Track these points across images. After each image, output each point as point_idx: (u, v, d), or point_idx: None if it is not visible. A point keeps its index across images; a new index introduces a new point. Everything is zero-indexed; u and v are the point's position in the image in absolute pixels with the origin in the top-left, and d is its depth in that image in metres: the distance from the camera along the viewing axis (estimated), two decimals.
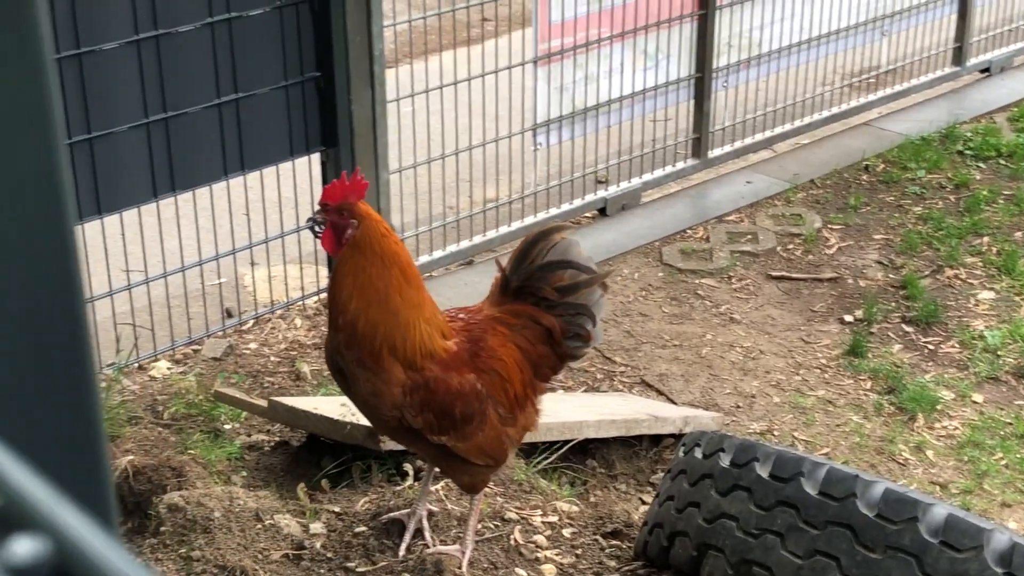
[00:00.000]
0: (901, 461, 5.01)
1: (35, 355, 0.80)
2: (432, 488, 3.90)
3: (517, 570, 3.74)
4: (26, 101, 0.78)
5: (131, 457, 4.10)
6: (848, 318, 5.91)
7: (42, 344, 0.79)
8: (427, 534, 3.69)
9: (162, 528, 3.74)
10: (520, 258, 3.48)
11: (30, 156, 0.78)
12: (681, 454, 3.87)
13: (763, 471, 3.50)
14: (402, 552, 3.64)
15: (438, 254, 6.04)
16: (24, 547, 0.58)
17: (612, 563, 3.91)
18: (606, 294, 3.57)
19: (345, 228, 3.32)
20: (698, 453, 3.74)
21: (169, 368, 5.12)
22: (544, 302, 3.49)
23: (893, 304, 6.02)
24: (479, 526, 3.87)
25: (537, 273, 3.47)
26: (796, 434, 5.10)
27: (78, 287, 0.79)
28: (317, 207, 3.41)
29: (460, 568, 3.60)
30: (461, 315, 3.53)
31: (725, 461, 3.61)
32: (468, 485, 3.60)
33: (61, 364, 0.79)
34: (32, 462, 0.62)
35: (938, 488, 4.85)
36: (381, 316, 3.27)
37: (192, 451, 4.30)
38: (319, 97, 5.26)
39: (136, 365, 5.10)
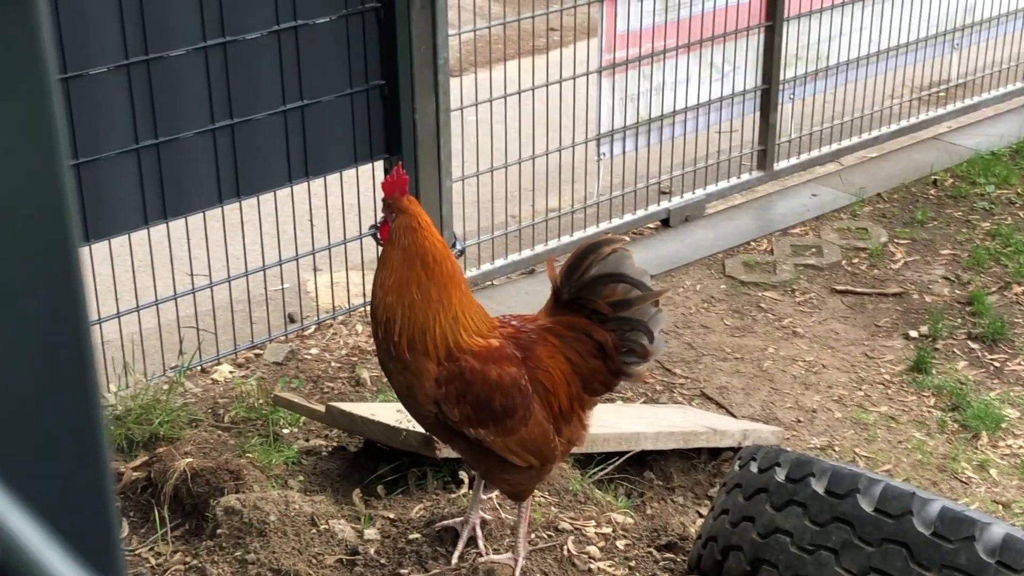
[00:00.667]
0: (964, 479, 4.94)
1: (40, 367, 0.81)
2: (485, 496, 3.90)
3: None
4: (29, 124, 0.79)
5: (190, 460, 4.14)
6: (913, 334, 5.84)
7: (47, 358, 0.81)
8: (480, 543, 3.70)
9: (219, 531, 3.78)
10: (570, 270, 3.42)
11: (34, 176, 0.79)
12: (736, 468, 3.84)
13: (819, 487, 3.47)
14: (455, 560, 3.65)
15: (500, 263, 6.05)
16: None
17: None
18: (661, 310, 3.46)
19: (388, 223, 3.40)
20: (753, 467, 3.71)
21: (231, 372, 5.17)
22: (597, 315, 3.43)
23: (959, 320, 5.95)
24: (531, 535, 3.87)
25: (588, 286, 3.40)
26: (857, 450, 5.05)
27: (83, 307, 0.80)
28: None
29: None
30: (513, 322, 3.52)
31: (780, 476, 3.58)
32: (510, 492, 3.58)
33: (66, 379, 0.81)
34: (32, 471, 0.63)
35: (1000, 507, 4.79)
36: (398, 308, 3.29)
37: (250, 454, 4.34)
38: (383, 105, 5.29)
39: (199, 368, 5.15)
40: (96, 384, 0.81)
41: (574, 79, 6.19)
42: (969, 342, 5.79)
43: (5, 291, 0.83)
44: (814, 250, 6.51)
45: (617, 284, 3.41)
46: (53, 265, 0.82)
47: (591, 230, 6.38)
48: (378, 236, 3.47)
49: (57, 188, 0.83)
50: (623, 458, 4.56)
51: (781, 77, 6.84)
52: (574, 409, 3.47)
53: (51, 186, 0.83)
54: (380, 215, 3.48)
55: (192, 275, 5.32)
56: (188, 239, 5.03)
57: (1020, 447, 5.14)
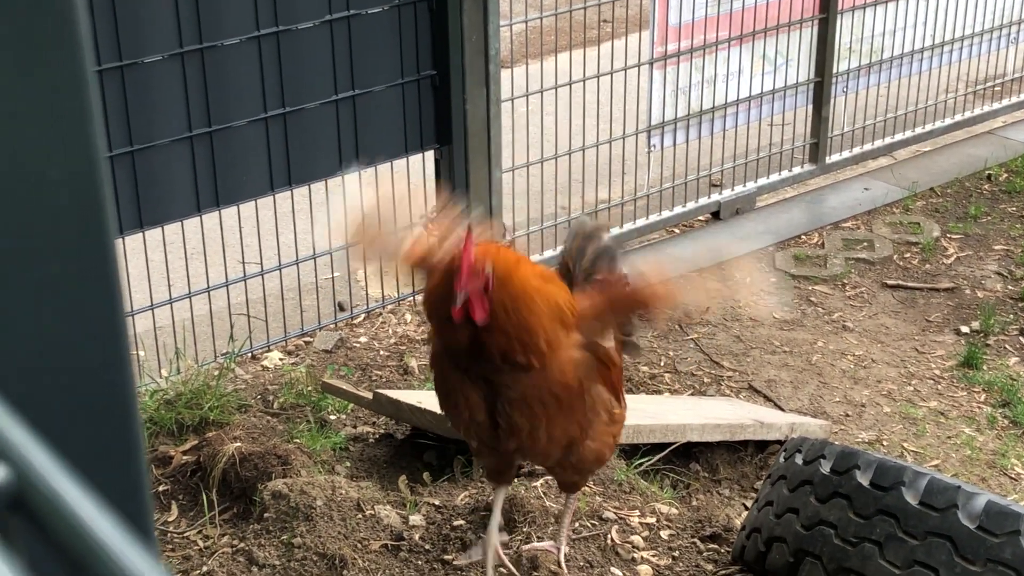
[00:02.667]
0: (1013, 476, 4.90)
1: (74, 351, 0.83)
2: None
3: (613, 569, 3.75)
4: (67, 115, 0.81)
5: (239, 444, 4.19)
6: (964, 329, 5.80)
7: (80, 339, 0.83)
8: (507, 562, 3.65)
9: (266, 514, 3.82)
10: (578, 255, 3.60)
11: (70, 165, 0.81)
12: (782, 460, 3.84)
13: (863, 479, 3.46)
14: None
15: (549, 253, 6.06)
16: None
17: (709, 567, 3.90)
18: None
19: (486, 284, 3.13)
20: (798, 459, 3.71)
21: (281, 359, 5.22)
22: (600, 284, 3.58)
23: (1011, 316, 5.90)
24: (575, 524, 3.88)
25: (592, 264, 3.60)
26: (905, 445, 5.02)
27: (117, 295, 0.83)
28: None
29: (558, 565, 3.61)
30: None
31: (825, 468, 3.57)
32: (579, 479, 3.53)
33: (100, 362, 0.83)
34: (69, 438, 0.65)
35: None
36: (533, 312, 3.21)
37: (298, 440, 4.38)
38: (434, 95, 5.31)
39: (249, 355, 5.20)
40: (128, 352, 0.84)
41: (625, 71, 6.18)
42: (1021, 338, 5.74)
43: (43, 280, 0.85)
44: (865, 244, 6.47)
45: (609, 255, 3.62)
46: (90, 254, 0.84)
47: (640, 222, 6.38)
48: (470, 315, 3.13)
49: (93, 178, 0.85)
50: (669, 449, 4.57)
51: (834, 70, 6.80)
52: (620, 380, 3.53)
53: (87, 176, 0.85)
54: (462, 295, 3.10)
55: (244, 263, 5.37)
56: (240, 227, 5.08)
57: None
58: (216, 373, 4.79)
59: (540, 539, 3.75)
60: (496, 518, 3.60)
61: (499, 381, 3.17)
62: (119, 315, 0.88)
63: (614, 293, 3.44)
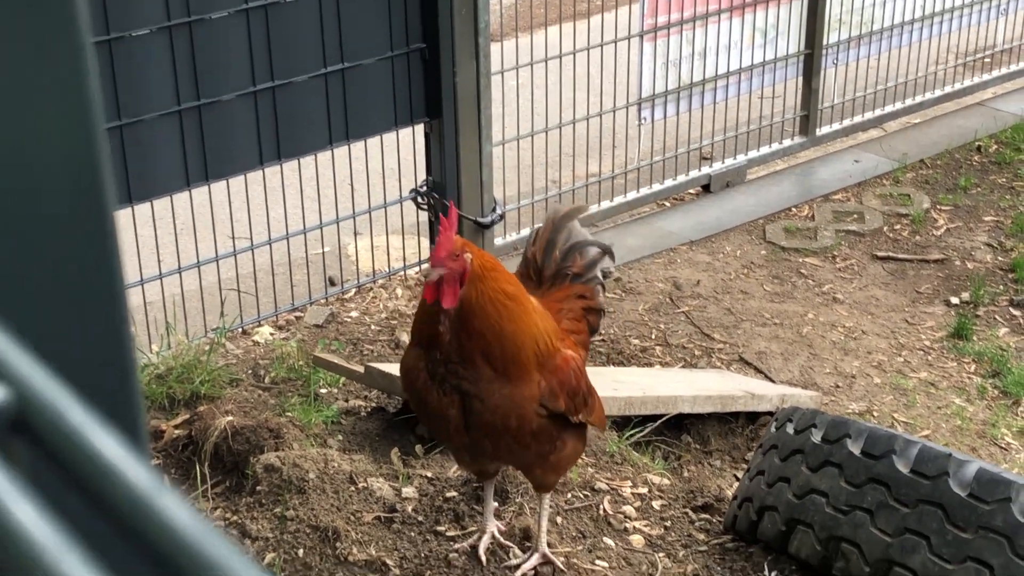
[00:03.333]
0: (1003, 445, 4.92)
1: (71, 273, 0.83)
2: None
3: (605, 539, 3.76)
4: (65, 82, 0.81)
5: (231, 418, 4.19)
6: (954, 300, 5.81)
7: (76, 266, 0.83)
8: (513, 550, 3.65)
9: (258, 487, 3.82)
10: (549, 247, 3.65)
11: (69, 137, 0.81)
12: (773, 429, 3.85)
13: (855, 448, 3.47)
14: (483, 558, 3.62)
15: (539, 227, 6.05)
16: None
17: (701, 536, 3.91)
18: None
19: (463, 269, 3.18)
20: (790, 428, 3.72)
21: (272, 334, 5.21)
22: (577, 277, 3.66)
23: (1001, 287, 5.91)
24: (567, 494, 3.89)
25: (565, 256, 3.66)
26: (896, 416, 5.03)
27: (118, 272, 0.82)
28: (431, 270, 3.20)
29: (549, 564, 3.59)
30: None
31: (817, 437, 3.59)
32: (553, 479, 3.53)
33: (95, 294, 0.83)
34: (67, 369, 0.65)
35: None
36: (518, 327, 3.24)
37: (290, 414, 4.38)
38: (424, 68, 5.30)
39: (240, 330, 5.20)
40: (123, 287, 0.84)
41: (616, 43, 6.17)
42: (1011, 309, 5.76)
43: (42, 254, 0.85)
44: (856, 216, 6.48)
45: (584, 248, 3.69)
46: (89, 227, 0.84)
47: (631, 195, 6.37)
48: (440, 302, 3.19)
49: (92, 149, 0.85)
50: (660, 421, 4.57)
51: (825, 42, 6.79)
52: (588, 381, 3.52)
53: (86, 147, 0.85)
54: (433, 275, 3.17)
55: (233, 238, 5.36)
56: (230, 201, 5.07)
57: None
58: (207, 348, 4.79)
59: (533, 510, 3.75)
60: (490, 507, 3.62)
61: (473, 392, 3.21)
62: (120, 290, 0.88)
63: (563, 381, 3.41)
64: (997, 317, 5.71)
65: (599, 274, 3.75)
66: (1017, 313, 5.73)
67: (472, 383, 3.21)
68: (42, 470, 0.61)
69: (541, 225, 3.78)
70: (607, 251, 3.79)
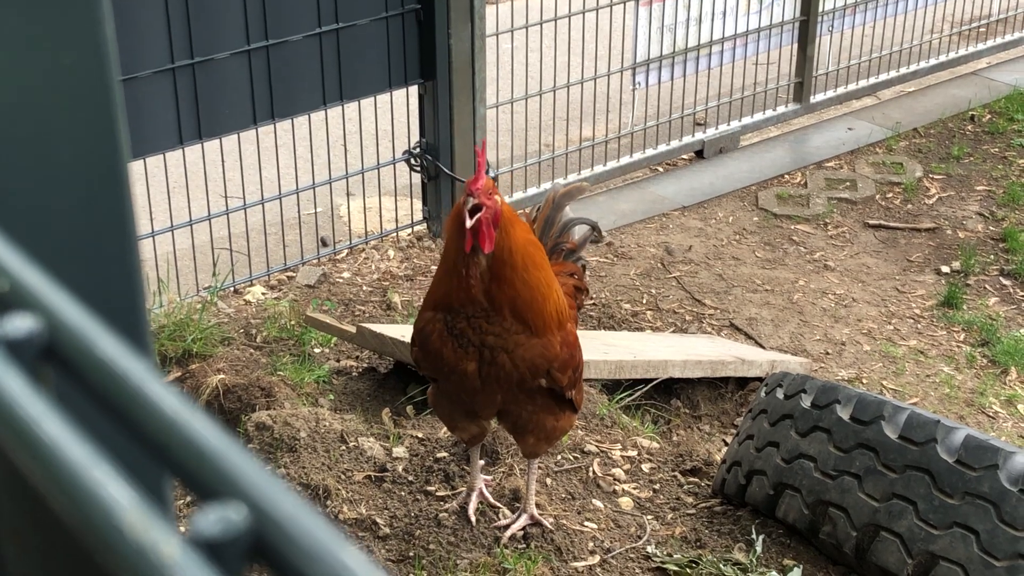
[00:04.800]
0: (991, 414, 4.95)
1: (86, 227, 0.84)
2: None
3: (594, 501, 3.78)
4: (81, 28, 0.81)
5: (222, 376, 4.20)
6: (945, 269, 5.83)
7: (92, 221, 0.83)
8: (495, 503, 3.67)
9: (250, 445, 3.83)
10: (547, 224, 3.70)
11: (85, 90, 0.82)
12: (763, 394, 3.87)
13: (844, 413, 3.49)
14: (473, 518, 3.63)
15: (532, 191, 6.06)
16: (19, 324, 0.61)
17: (689, 499, 3.93)
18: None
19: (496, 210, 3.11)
20: (779, 394, 3.73)
21: (264, 293, 5.22)
22: (570, 254, 3.72)
23: (992, 256, 5.93)
24: (558, 456, 3.91)
25: (562, 233, 3.73)
26: (885, 383, 5.06)
27: (132, 226, 0.83)
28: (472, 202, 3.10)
29: (537, 525, 3.60)
30: None
31: (806, 402, 3.60)
32: (544, 448, 3.54)
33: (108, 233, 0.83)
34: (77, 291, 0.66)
35: None
36: (543, 279, 3.24)
37: (282, 373, 4.39)
38: (419, 30, 5.28)
39: (232, 289, 5.20)
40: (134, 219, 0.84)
41: (611, 7, 6.15)
42: (1001, 278, 5.78)
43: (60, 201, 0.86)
44: (848, 184, 6.48)
45: (576, 225, 3.76)
46: (104, 178, 0.85)
47: (624, 160, 6.37)
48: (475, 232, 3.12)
49: (108, 93, 0.86)
50: (650, 385, 4.59)
51: (820, 9, 6.78)
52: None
53: (102, 99, 0.86)
54: (470, 203, 3.07)
55: (226, 197, 5.36)
56: (223, 160, 5.07)
57: None
58: (199, 306, 4.79)
59: (523, 471, 3.77)
60: (476, 465, 3.64)
61: (500, 344, 3.19)
62: (133, 245, 0.88)
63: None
64: (987, 286, 5.73)
65: (585, 255, 3.84)
66: (1007, 283, 5.75)
67: (498, 336, 3.19)
68: (70, 394, 0.62)
69: (539, 206, 3.81)
70: (596, 228, 3.85)
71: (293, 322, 4.83)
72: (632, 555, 3.60)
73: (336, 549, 0.58)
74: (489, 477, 3.75)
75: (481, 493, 3.65)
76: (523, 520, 3.59)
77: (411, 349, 3.40)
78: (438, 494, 3.72)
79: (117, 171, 0.84)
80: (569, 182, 5.65)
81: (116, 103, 0.84)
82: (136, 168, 4.83)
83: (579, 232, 3.78)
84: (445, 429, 4.03)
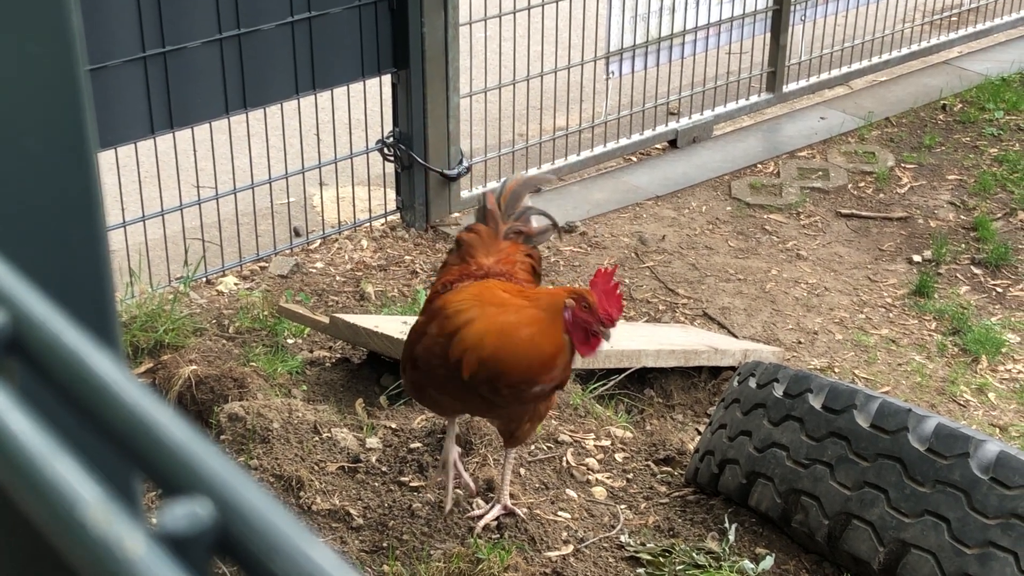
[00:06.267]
0: (962, 402, 4.98)
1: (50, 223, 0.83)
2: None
3: (568, 491, 3.79)
4: (48, 17, 0.80)
5: (195, 367, 4.18)
6: (916, 258, 5.86)
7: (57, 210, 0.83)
8: (465, 476, 3.68)
9: (222, 436, 3.82)
10: (510, 205, 3.71)
11: (53, 82, 0.81)
12: (735, 383, 3.88)
13: (816, 402, 3.50)
14: (449, 507, 3.64)
15: None
16: None
17: (663, 488, 3.94)
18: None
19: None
20: (752, 383, 3.74)
21: (236, 284, 5.20)
22: (528, 239, 3.71)
23: (963, 245, 5.96)
24: (531, 446, 3.91)
25: (519, 218, 3.72)
26: (857, 372, 5.08)
27: (100, 217, 0.82)
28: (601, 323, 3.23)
29: (510, 514, 3.61)
30: (497, 268, 3.54)
31: (779, 391, 3.62)
32: (522, 439, 3.57)
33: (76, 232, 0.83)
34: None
35: (997, 430, 4.82)
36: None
37: (254, 364, 4.38)
38: (391, 18, 5.27)
39: (204, 279, 5.18)
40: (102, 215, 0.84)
41: None
42: (972, 267, 5.81)
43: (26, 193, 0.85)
44: (820, 173, 6.50)
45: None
46: (71, 171, 0.84)
47: (598, 149, 6.37)
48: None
49: (74, 83, 0.85)
50: (624, 374, 4.60)
51: None
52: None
53: (69, 92, 0.85)
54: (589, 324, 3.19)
55: (198, 186, 5.33)
56: (195, 150, 5.04)
57: (1019, 371, 5.17)
58: (171, 297, 4.77)
59: (497, 461, 3.77)
60: (452, 434, 3.64)
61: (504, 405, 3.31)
62: (101, 234, 0.88)
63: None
64: (958, 275, 5.76)
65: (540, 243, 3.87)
66: (978, 271, 5.78)
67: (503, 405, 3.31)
68: (34, 387, 0.62)
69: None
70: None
71: (266, 313, 4.82)
72: (605, 544, 3.61)
73: (302, 543, 0.57)
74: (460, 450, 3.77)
75: (456, 466, 3.65)
76: (497, 510, 3.59)
77: (402, 372, 3.44)
78: (412, 484, 3.72)
79: (85, 161, 0.83)
80: (537, 174, 5.66)
81: (83, 93, 0.83)
82: (107, 158, 4.80)
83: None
84: (419, 419, 4.03)
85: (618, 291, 3.20)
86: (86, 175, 0.87)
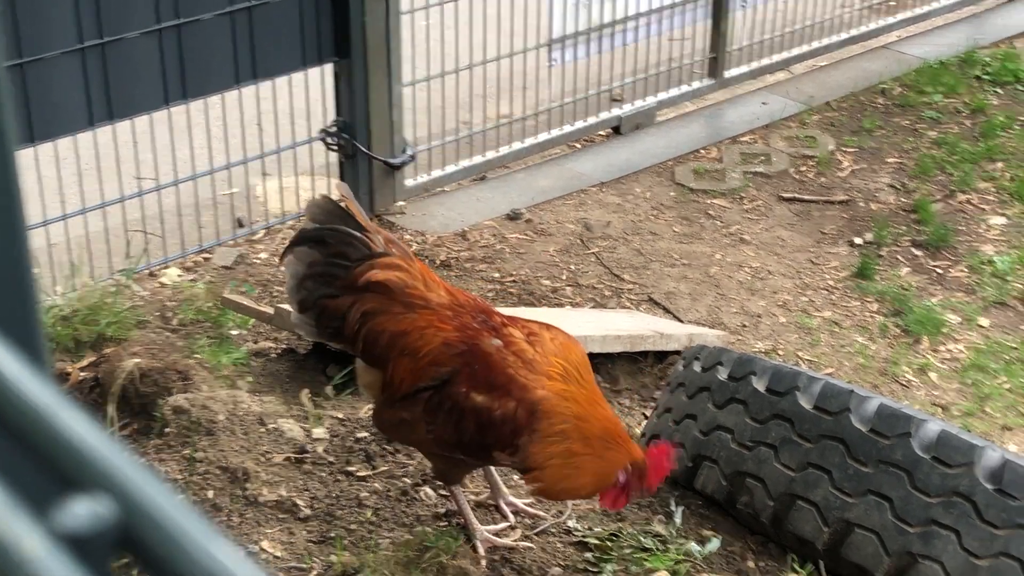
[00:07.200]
0: (904, 383, 5.03)
1: None
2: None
3: (515, 477, 3.79)
4: None
5: (138, 360, 4.15)
6: (858, 240, 5.91)
7: None
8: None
9: (167, 429, 3.80)
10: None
11: None
12: (680, 368, 3.90)
13: (759, 385, 3.53)
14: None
15: (451, 169, 6.05)
16: None
17: None
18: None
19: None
20: (697, 367, 3.77)
21: (179, 275, 5.16)
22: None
23: (903, 228, 6.02)
24: None
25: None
26: (801, 354, 5.12)
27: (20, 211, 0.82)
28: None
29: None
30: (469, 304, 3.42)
31: (723, 374, 3.64)
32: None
33: None
34: None
35: (940, 410, 4.88)
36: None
37: (199, 356, 4.35)
38: (332, 7, 5.24)
39: (146, 271, 5.14)
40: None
41: None
42: (913, 249, 5.87)
43: None
44: (763, 158, 6.54)
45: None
46: None
47: (542, 137, 6.38)
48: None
49: None
50: None
51: None
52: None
53: None
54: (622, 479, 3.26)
55: (139, 178, 5.29)
56: (135, 142, 5.00)
57: (960, 351, 5.23)
58: (113, 289, 4.73)
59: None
60: (469, 512, 3.55)
61: None
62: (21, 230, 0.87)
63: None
64: (899, 257, 5.82)
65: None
66: (919, 253, 5.84)
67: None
68: None
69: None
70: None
71: (210, 304, 4.79)
72: (554, 530, 3.62)
73: (206, 540, 0.57)
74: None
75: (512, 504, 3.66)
76: (524, 509, 3.65)
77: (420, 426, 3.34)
78: (359, 474, 3.71)
79: (3, 157, 0.82)
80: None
81: (1, 85, 0.82)
82: (47, 151, 4.75)
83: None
84: (365, 408, 4.02)
85: (669, 468, 3.29)
86: (5, 173, 0.86)
